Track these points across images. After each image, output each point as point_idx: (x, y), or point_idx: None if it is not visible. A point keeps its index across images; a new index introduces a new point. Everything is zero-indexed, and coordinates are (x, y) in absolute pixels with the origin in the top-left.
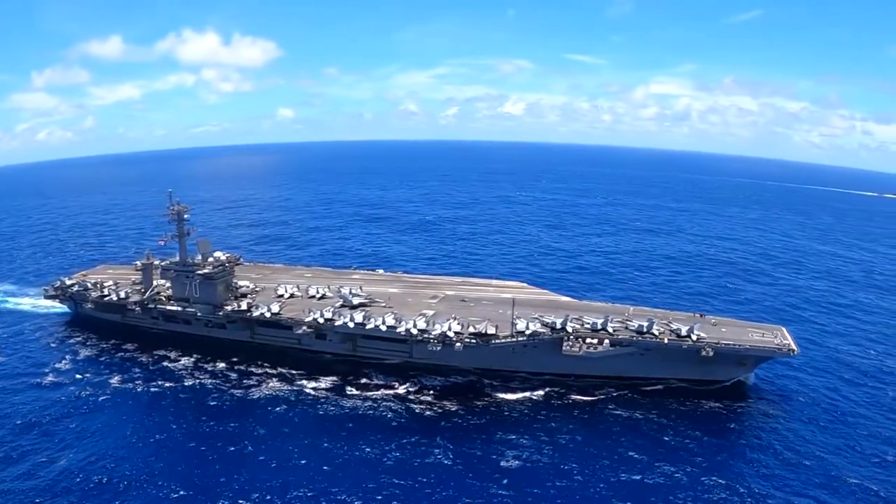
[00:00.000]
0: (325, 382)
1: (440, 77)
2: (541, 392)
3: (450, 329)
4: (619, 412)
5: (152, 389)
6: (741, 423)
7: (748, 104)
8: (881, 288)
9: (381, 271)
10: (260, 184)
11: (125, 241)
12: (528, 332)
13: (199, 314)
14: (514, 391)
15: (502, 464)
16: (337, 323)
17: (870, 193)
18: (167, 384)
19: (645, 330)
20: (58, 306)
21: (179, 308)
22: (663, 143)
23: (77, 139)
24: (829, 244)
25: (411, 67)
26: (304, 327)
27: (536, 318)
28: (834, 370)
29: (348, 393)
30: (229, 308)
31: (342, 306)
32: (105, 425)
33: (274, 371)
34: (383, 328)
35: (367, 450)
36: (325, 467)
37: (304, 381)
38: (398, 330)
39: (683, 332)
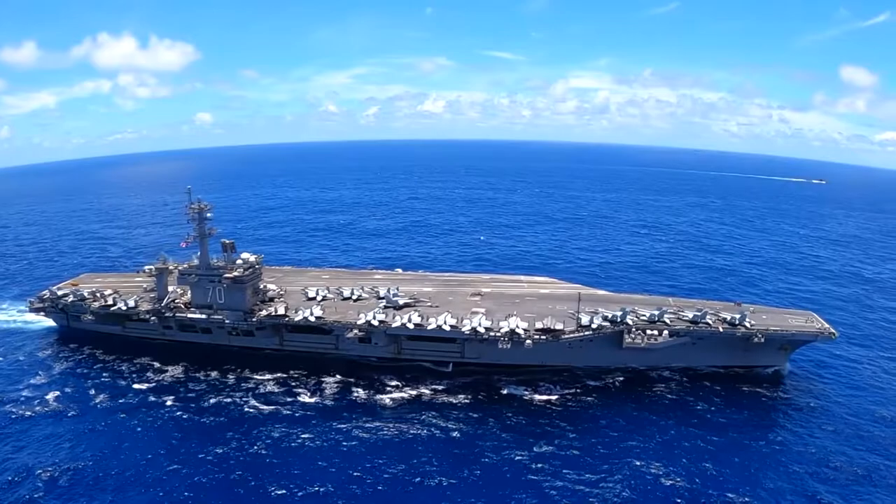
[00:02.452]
0: (332, 388)
1: (359, 77)
2: (552, 386)
3: (517, 326)
4: (632, 403)
5: (167, 406)
6: (743, 411)
7: (667, 96)
8: (831, 272)
9: (399, 270)
10: (182, 189)
11: (71, 253)
12: (594, 326)
13: (227, 321)
14: (524, 386)
15: (525, 464)
16: (393, 325)
17: (798, 179)
18: (178, 399)
19: (699, 319)
20: (19, 318)
21: (204, 316)
22: (583, 136)
23: None
24: (770, 231)
25: (329, 68)
26: (355, 331)
27: (598, 313)
28: (810, 355)
29: (356, 400)
30: (263, 314)
31: (386, 307)
32: (116, 443)
33: (282, 378)
34: (446, 328)
35: (365, 463)
36: (329, 480)
37: (308, 388)
38: (463, 329)
39: (736, 321)
